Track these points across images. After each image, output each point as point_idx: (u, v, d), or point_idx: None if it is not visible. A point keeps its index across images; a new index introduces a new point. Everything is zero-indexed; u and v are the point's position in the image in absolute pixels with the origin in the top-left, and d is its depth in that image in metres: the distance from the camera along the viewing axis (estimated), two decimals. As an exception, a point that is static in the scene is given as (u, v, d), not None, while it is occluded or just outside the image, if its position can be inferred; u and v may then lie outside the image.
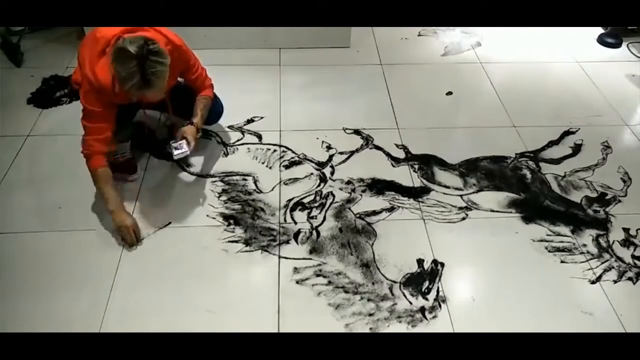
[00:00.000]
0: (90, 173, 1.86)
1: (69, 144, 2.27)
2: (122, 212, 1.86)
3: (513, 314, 1.70)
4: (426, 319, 1.67)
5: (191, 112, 2.03)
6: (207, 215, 1.98)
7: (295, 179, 2.15)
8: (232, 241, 1.89)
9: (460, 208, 2.06)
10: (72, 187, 2.06)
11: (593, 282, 1.80)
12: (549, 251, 1.90)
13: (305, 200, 2.06)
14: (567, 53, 3.03)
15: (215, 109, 2.19)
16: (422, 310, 1.69)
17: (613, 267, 1.85)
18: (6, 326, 1.61)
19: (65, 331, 1.60)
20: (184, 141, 1.93)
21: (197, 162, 2.21)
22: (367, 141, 2.36)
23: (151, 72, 1.61)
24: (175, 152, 1.92)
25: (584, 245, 1.93)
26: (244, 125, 2.42)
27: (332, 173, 2.19)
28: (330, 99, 2.61)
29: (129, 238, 1.84)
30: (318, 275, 1.79)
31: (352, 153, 2.29)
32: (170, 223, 1.95)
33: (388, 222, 1.99)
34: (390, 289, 1.75)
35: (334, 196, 2.08)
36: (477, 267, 1.86)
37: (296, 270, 1.80)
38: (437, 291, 1.75)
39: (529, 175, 2.21)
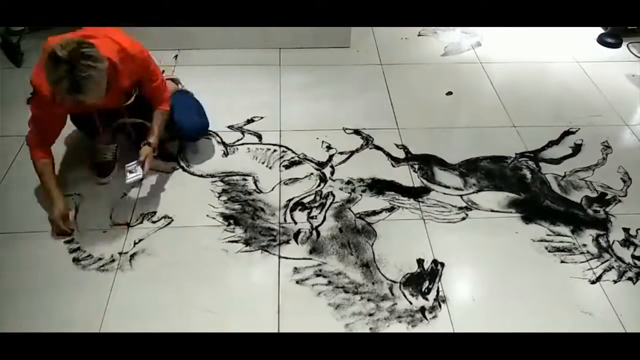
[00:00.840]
0: (34, 164, 1.91)
1: (69, 143, 2.28)
2: (55, 203, 1.87)
3: (513, 314, 1.70)
4: (426, 319, 1.67)
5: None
6: (207, 215, 1.98)
7: (295, 179, 2.15)
8: (232, 241, 1.89)
9: (460, 208, 2.06)
10: (72, 187, 2.06)
11: (593, 282, 1.80)
12: (549, 251, 1.90)
13: (305, 200, 2.06)
14: (567, 53, 3.03)
15: (201, 123, 2.20)
16: (422, 310, 1.69)
17: (613, 267, 1.85)
18: (6, 326, 1.61)
19: (66, 331, 1.60)
20: (138, 165, 1.90)
21: (197, 162, 2.21)
22: (367, 141, 2.36)
23: (82, 76, 1.54)
24: (128, 176, 1.88)
25: (584, 245, 1.93)
26: (244, 125, 2.42)
27: (332, 173, 2.19)
28: (330, 99, 2.61)
29: (57, 230, 1.87)
30: (318, 275, 1.79)
31: (352, 153, 2.29)
32: (170, 223, 1.95)
33: (388, 222, 1.99)
34: (390, 289, 1.75)
35: (334, 196, 2.08)
36: (477, 267, 1.86)
37: (296, 270, 1.80)
38: (437, 291, 1.75)
39: (529, 175, 2.21)
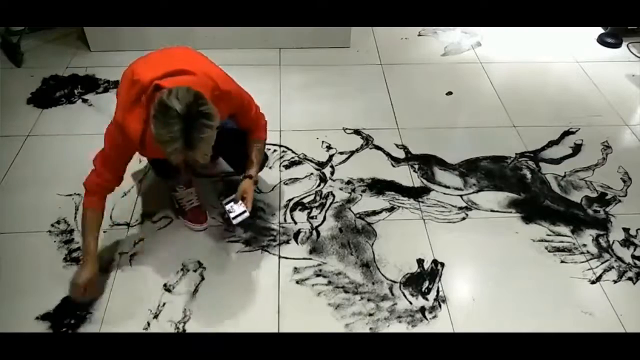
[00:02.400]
0: (83, 210, 1.68)
1: (69, 144, 2.28)
2: (85, 266, 1.62)
3: (513, 314, 1.70)
4: (426, 319, 1.67)
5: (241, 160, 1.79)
6: (207, 215, 1.98)
7: (295, 179, 2.15)
8: (232, 241, 1.89)
9: (460, 208, 2.06)
10: (72, 187, 2.06)
11: (593, 282, 1.80)
12: (549, 251, 1.90)
13: (305, 200, 2.06)
14: (567, 53, 3.03)
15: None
16: (422, 310, 1.69)
17: (613, 267, 1.85)
18: (6, 326, 1.61)
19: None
20: (240, 201, 1.69)
21: (197, 162, 2.21)
22: (367, 141, 2.36)
23: (199, 137, 1.37)
24: (233, 215, 1.67)
25: (584, 245, 1.93)
26: (244, 125, 2.41)
27: (332, 173, 2.19)
28: (330, 99, 2.61)
29: (74, 295, 1.63)
30: (318, 275, 1.79)
31: (352, 153, 2.29)
32: (170, 223, 1.95)
33: (388, 222, 1.99)
34: (390, 289, 1.75)
35: (334, 196, 2.08)
36: (477, 267, 1.86)
37: (296, 270, 1.80)
38: (437, 291, 1.75)
39: (529, 175, 2.21)
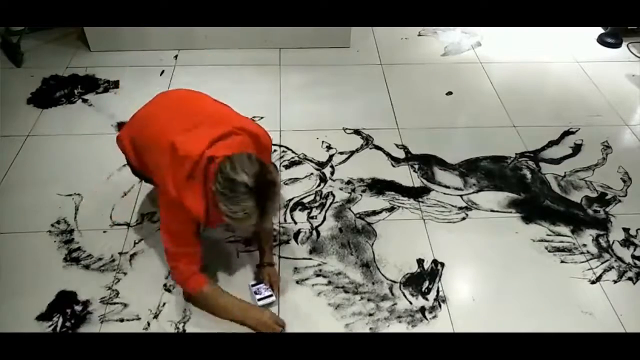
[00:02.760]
0: (197, 297, 1.62)
1: (69, 144, 2.28)
2: (253, 312, 1.61)
3: (513, 314, 1.70)
4: (426, 319, 1.67)
5: None
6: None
7: (295, 179, 2.15)
8: (232, 241, 1.89)
9: (460, 208, 2.06)
10: (72, 187, 2.06)
11: (593, 282, 1.80)
12: (549, 251, 1.90)
13: (305, 200, 2.06)
14: (567, 53, 3.03)
15: None
16: (422, 310, 1.69)
17: (613, 267, 1.85)
18: (6, 326, 1.61)
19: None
20: (266, 287, 1.70)
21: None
22: (367, 141, 2.36)
23: (272, 206, 1.35)
24: (259, 299, 1.67)
25: (584, 245, 1.93)
26: (244, 125, 2.41)
27: (332, 173, 2.19)
28: (330, 99, 2.61)
29: (277, 328, 1.59)
30: (318, 275, 1.79)
31: (352, 153, 2.29)
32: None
33: (388, 222, 1.99)
34: (390, 289, 1.75)
35: (334, 196, 2.08)
36: (477, 267, 1.86)
37: (296, 270, 1.80)
38: (437, 291, 1.75)
39: (529, 175, 2.21)
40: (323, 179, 2.15)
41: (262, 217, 1.34)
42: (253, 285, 1.71)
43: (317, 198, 2.07)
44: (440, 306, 1.71)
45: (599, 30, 3.21)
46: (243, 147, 1.43)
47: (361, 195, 2.09)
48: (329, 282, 1.77)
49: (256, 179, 1.30)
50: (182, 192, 1.43)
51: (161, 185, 1.51)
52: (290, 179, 2.15)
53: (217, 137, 1.46)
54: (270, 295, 1.68)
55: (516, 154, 2.32)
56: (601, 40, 3.14)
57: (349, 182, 2.14)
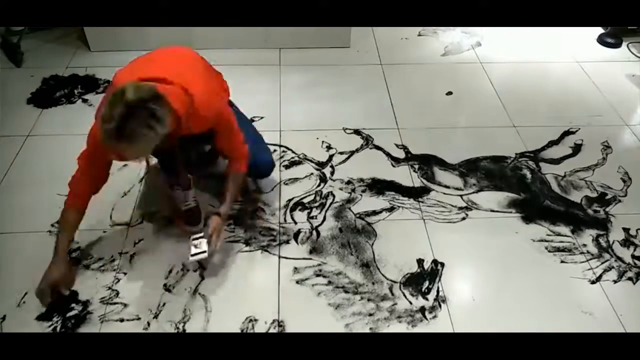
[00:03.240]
0: (65, 208, 1.69)
1: (69, 144, 2.27)
2: (57, 265, 1.65)
3: (513, 314, 1.70)
4: (426, 319, 1.67)
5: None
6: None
7: (295, 179, 2.15)
8: (232, 241, 1.89)
9: (460, 208, 2.06)
10: (72, 187, 2.06)
11: (593, 282, 1.80)
12: (549, 251, 1.90)
13: (305, 200, 2.06)
14: (567, 53, 3.03)
15: (272, 160, 1.96)
16: (422, 310, 1.69)
17: (613, 267, 1.85)
18: (6, 326, 1.61)
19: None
20: (204, 240, 1.65)
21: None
22: (367, 141, 2.36)
23: (133, 129, 1.33)
24: (192, 252, 1.63)
25: (584, 245, 1.93)
26: (244, 125, 2.42)
27: (332, 173, 2.18)
28: (330, 99, 2.61)
29: (42, 296, 1.64)
30: (318, 275, 1.79)
31: (352, 153, 2.29)
32: (171, 222, 1.95)
33: (388, 222, 1.99)
34: (390, 289, 1.75)
35: (334, 196, 2.08)
36: (477, 267, 1.86)
37: (296, 270, 1.80)
38: (437, 291, 1.75)
39: (529, 175, 2.21)
40: (323, 179, 2.15)
41: (120, 132, 1.32)
42: (194, 239, 1.66)
43: (317, 198, 2.07)
44: (440, 306, 1.71)
45: (599, 30, 3.21)
46: (163, 91, 1.42)
47: (361, 195, 2.09)
48: (329, 282, 1.77)
49: (138, 99, 1.32)
50: (100, 110, 1.47)
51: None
52: (290, 179, 2.15)
53: (148, 79, 1.47)
54: (204, 252, 1.63)
55: (516, 154, 2.32)
56: (601, 40, 3.14)
57: (349, 182, 2.14)
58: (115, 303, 1.68)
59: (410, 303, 1.71)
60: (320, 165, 2.22)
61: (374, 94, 2.66)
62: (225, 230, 1.92)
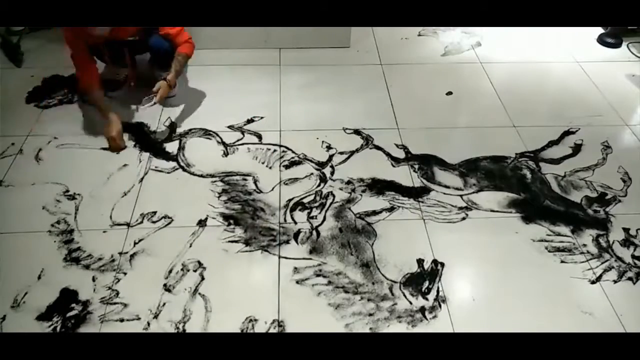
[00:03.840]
0: (88, 91, 2.30)
1: (69, 143, 2.28)
2: (113, 120, 2.24)
3: (513, 314, 1.70)
4: (426, 319, 1.67)
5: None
6: (207, 215, 1.98)
7: (295, 179, 2.15)
8: (232, 241, 1.89)
9: (460, 208, 2.06)
10: (72, 187, 2.06)
11: (593, 282, 1.80)
12: (549, 251, 1.90)
13: (305, 200, 2.06)
14: (567, 53, 3.03)
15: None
16: (422, 310, 1.69)
17: (613, 267, 1.85)
18: (6, 326, 1.62)
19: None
20: (151, 96, 2.23)
21: (197, 162, 2.21)
22: (367, 141, 2.36)
23: None
24: (143, 102, 2.22)
25: (584, 245, 1.93)
26: (244, 125, 2.42)
27: (332, 173, 2.19)
28: (330, 99, 2.61)
29: (115, 145, 2.23)
30: (318, 275, 1.79)
31: (352, 153, 2.29)
32: (170, 223, 1.95)
33: (388, 222, 1.99)
34: (390, 289, 1.75)
35: (334, 196, 2.08)
36: (477, 267, 1.86)
37: (296, 270, 1.80)
38: (437, 291, 1.75)
39: (529, 175, 2.21)
40: (323, 179, 2.15)
41: None
42: (145, 98, 2.23)
43: (317, 198, 2.07)
44: (440, 306, 1.71)
45: (599, 30, 3.21)
46: None
47: (361, 195, 2.09)
48: (329, 282, 1.77)
49: None
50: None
51: None
52: (290, 179, 2.15)
53: None
54: (152, 102, 2.22)
55: (516, 154, 2.32)
56: (601, 40, 3.14)
57: (349, 182, 2.14)
58: (115, 303, 1.68)
59: (410, 303, 1.71)
60: (320, 165, 2.22)
61: (374, 94, 2.66)
62: (225, 230, 1.92)
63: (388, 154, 2.29)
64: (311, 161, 2.24)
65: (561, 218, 2.02)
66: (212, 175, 2.15)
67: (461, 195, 2.11)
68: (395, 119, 2.49)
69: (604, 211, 2.06)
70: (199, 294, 1.72)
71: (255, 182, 2.12)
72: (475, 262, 1.87)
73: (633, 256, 1.89)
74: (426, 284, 1.77)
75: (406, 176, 2.18)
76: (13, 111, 2.44)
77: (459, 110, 2.60)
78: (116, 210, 1.98)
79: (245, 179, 2.14)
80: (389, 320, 1.66)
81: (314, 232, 1.93)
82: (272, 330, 1.63)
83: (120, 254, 1.84)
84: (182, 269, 1.79)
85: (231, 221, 1.96)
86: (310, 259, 1.84)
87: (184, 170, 2.17)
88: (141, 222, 1.95)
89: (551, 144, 2.39)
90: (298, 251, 1.87)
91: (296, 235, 1.92)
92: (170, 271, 1.78)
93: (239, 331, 1.62)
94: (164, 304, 1.69)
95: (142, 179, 2.12)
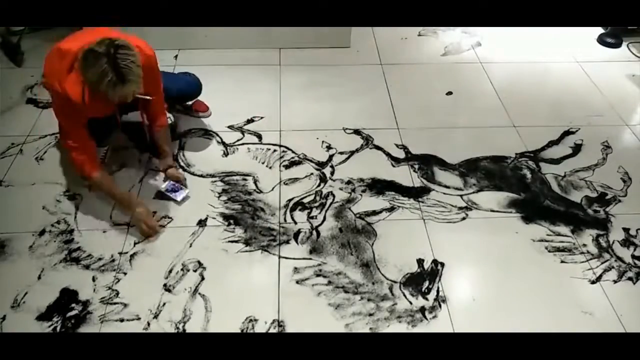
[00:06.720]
0: (92, 183, 1.96)
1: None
2: (132, 207, 1.90)
3: (513, 314, 1.70)
4: (426, 319, 1.67)
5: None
6: (207, 215, 1.98)
7: (295, 179, 2.15)
8: (232, 241, 1.89)
9: (460, 208, 2.06)
10: (72, 187, 2.06)
11: (593, 282, 1.80)
12: (549, 251, 1.90)
13: (305, 200, 2.06)
14: (567, 53, 3.03)
15: (193, 85, 2.32)
16: (422, 310, 1.69)
17: (613, 267, 1.85)
18: (6, 326, 1.62)
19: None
20: (176, 184, 2.03)
21: (197, 162, 2.21)
22: (367, 141, 2.36)
23: (124, 64, 1.56)
24: (176, 195, 2.01)
25: (584, 245, 1.93)
26: (244, 125, 2.42)
27: (332, 173, 2.19)
28: (330, 99, 2.61)
29: (150, 229, 1.88)
30: (318, 275, 1.79)
31: (352, 153, 2.29)
32: (170, 223, 1.95)
33: (388, 222, 1.99)
34: (390, 289, 1.75)
35: (334, 196, 2.08)
36: (477, 267, 1.86)
37: (296, 270, 1.80)
38: (437, 291, 1.75)
39: (529, 175, 2.21)
40: (323, 179, 2.15)
41: (119, 76, 1.55)
42: (167, 191, 2.01)
43: (317, 198, 2.07)
44: (440, 306, 1.71)
45: (599, 30, 3.21)
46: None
47: (361, 195, 2.09)
48: (329, 282, 1.77)
49: (106, 46, 1.54)
50: (64, 84, 1.67)
51: (51, 87, 1.73)
52: (290, 179, 2.15)
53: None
54: (186, 191, 2.02)
55: (516, 154, 2.32)
56: (601, 40, 3.14)
57: (349, 182, 2.14)
58: (115, 303, 1.68)
59: (410, 303, 1.71)
60: (320, 165, 2.22)
61: (374, 94, 2.66)
62: (225, 230, 1.92)
63: (388, 154, 2.29)
64: (311, 161, 2.24)
65: (561, 218, 2.02)
66: (212, 175, 2.15)
67: (461, 195, 2.11)
68: (395, 119, 2.49)
69: (604, 211, 2.06)
70: (199, 294, 1.72)
71: (255, 182, 2.12)
72: (475, 262, 1.87)
73: (633, 256, 1.89)
74: (426, 284, 1.77)
75: (406, 176, 2.18)
76: (13, 111, 2.44)
77: (459, 110, 2.60)
78: (116, 210, 1.98)
79: (245, 179, 2.14)
80: (389, 320, 1.66)
81: (314, 232, 1.93)
82: (272, 330, 1.63)
83: (120, 254, 1.84)
84: (182, 269, 1.79)
85: (231, 221, 1.96)
86: (310, 259, 1.84)
87: (184, 170, 2.17)
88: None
89: (551, 144, 2.39)
90: (298, 251, 1.87)
91: (296, 235, 1.92)
92: (170, 271, 1.78)
93: (239, 331, 1.62)
94: (164, 304, 1.69)
95: (141, 179, 2.12)
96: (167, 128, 2.09)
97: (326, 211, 2.02)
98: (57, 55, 1.72)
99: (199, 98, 2.42)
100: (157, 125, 2.04)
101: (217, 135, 2.35)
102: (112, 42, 1.56)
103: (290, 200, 2.05)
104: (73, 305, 1.67)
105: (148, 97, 1.83)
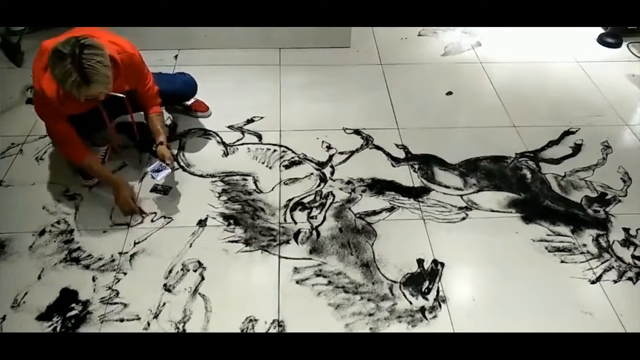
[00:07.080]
0: (82, 166, 1.99)
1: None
2: (121, 185, 1.96)
3: (513, 314, 1.70)
4: (426, 319, 1.67)
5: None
6: (207, 215, 1.98)
7: (295, 179, 2.15)
8: (232, 241, 1.89)
9: (460, 208, 2.06)
10: (72, 188, 2.06)
11: (593, 282, 1.80)
12: (549, 251, 1.90)
13: (305, 200, 2.06)
14: (567, 53, 3.03)
15: (189, 84, 2.33)
16: (422, 310, 1.69)
17: (613, 267, 1.85)
18: (6, 326, 1.62)
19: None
20: (163, 164, 2.00)
21: (197, 162, 2.21)
22: (367, 141, 2.36)
23: (88, 65, 1.57)
24: (157, 175, 1.98)
25: (584, 245, 1.93)
26: (244, 125, 2.42)
27: (332, 173, 2.19)
28: (330, 99, 2.61)
29: (128, 209, 1.95)
30: (318, 275, 1.79)
31: (352, 153, 2.29)
32: (170, 223, 1.95)
33: (388, 222, 1.99)
34: (390, 289, 1.75)
35: (334, 196, 2.08)
36: (477, 267, 1.86)
37: (296, 270, 1.80)
38: (437, 291, 1.75)
39: (529, 175, 2.21)
40: (323, 179, 2.15)
41: (83, 75, 1.56)
42: (152, 171, 1.98)
43: (317, 198, 2.07)
44: (440, 306, 1.71)
45: (599, 30, 3.21)
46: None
47: (361, 195, 2.09)
48: (329, 282, 1.77)
49: (72, 46, 1.56)
50: (41, 81, 1.71)
51: (34, 87, 1.78)
52: (290, 179, 2.15)
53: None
54: (165, 168, 1.98)
55: (516, 154, 2.32)
56: (601, 40, 3.13)
57: (349, 182, 2.14)
58: (115, 303, 1.68)
59: (410, 303, 1.71)
60: (320, 165, 2.22)
61: (374, 94, 2.66)
62: (225, 230, 1.92)
63: (388, 154, 2.29)
64: (311, 161, 2.24)
65: (561, 218, 2.02)
66: (212, 175, 2.15)
67: (461, 195, 2.11)
68: (395, 119, 2.49)
69: (604, 211, 2.06)
70: (199, 294, 1.72)
71: (255, 182, 2.12)
72: (475, 262, 1.87)
73: (633, 256, 1.89)
74: (426, 284, 1.77)
75: (406, 176, 2.18)
76: (13, 111, 2.44)
77: (459, 110, 2.60)
78: (116, 210, 1.98)
79: (245, 179, 2.14)
80: (389, 320, 1.66)
81: (314, 232, 1.93)
82: (272, 330, 1.63)
83: (120, 254, 1.84)
84: (182, 269, 1.79)
85: (231, 221, 1.96)
86: (310, 259, 1.84)
87: (184, 170, 2.17)
88: (141, 222, 1.95)
89: (551, 144, 2.39)
90: (298, 251, 1.87)
91: (296, 235, 1.92)
92: (170, 271, 1.78)
93: (239, 331, 1.62)
94: (164, 304, 1.69)
95: (141, 179, 2.12)
96: (162, 115, 2.12)
97: (326, 211, 2.02)
98: (38, 53, 1.75)
99: (199, 98, 2.42)
100: (151, 112, 2.07)
101: (217, 135, 2.35)
102: (77, 41, 1.57)
103: (290, 200, 2.05)
104: (73, 305, 1.67)
105: (121, 95, 1.87)
